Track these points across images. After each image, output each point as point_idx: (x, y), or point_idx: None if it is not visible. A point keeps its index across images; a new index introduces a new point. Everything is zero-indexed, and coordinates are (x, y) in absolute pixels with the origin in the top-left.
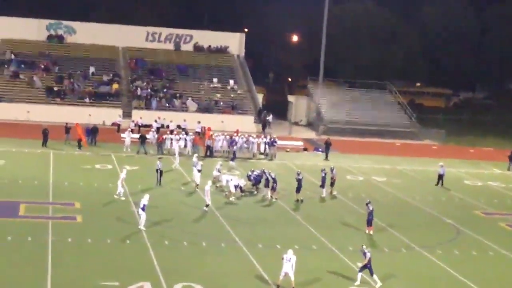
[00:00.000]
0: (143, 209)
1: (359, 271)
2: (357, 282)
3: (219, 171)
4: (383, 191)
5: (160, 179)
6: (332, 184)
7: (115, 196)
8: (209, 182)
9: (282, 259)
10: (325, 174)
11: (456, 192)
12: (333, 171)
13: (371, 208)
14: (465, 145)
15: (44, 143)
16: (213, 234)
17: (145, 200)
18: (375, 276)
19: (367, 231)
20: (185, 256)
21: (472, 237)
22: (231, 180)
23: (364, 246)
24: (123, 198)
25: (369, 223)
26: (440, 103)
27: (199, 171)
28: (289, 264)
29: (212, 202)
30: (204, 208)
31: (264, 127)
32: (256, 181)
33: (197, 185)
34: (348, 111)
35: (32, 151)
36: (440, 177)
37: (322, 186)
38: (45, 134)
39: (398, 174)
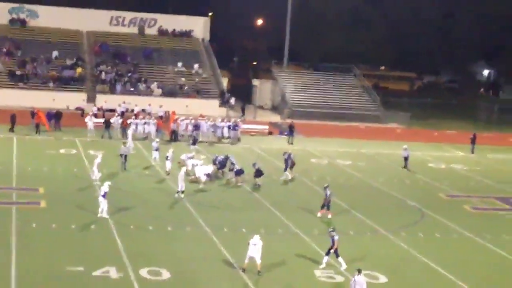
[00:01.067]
0: (104, 196)
1: (326, 254)
2: (322, 265)
3: (187, 156)
4: (347, 174)
5: (125, 163)
6: (291, 167)
7: (94, 183)
8: (183, 168)
9: (248, 244)
10: (288, 156)
11: (420, 175)
12: (291, 155)
13: (328, 193)
14: (429, 128)
15: (12, 128)
16: (179, 219)
17: (105, 187)
18: (340, 258)
19: (319, 214)
20: (150, 241)
21: (436, 220)
22: (197, 165)
23: (332, 230)
24: (98, 183)
25: (327, 207)
26: (404, 86)
27: (166, 158)
28: (254, 248)
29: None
30: (179, 195)
31: (243, 111)
32: (221, 165)
33: (168, 172)
34: (313, 94)
35: None
36: (405, 159)
37: (285, 169)
38: (13, 119)
39: (363, 157)
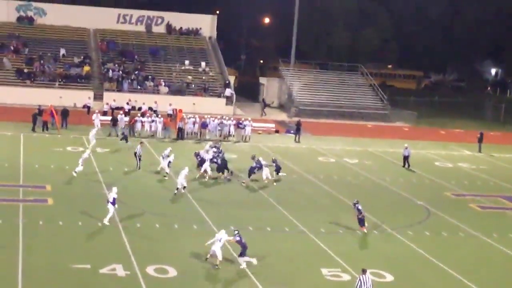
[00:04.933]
0: (113, 203)
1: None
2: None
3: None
4: (354, 173)
5: (139, 163)
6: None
7: (74, 174)
8: (186, 168)
9: (214, 237)
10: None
11: (426, 174)
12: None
13: (360, 207)
14: (436, 126)
15: (34, 127)
16: (185, 216)
17: (113, 193)
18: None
19: (365, 230)
20: (157, 238)
21: (443, 218)
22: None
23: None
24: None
25: (361, 222)
26: (411, 85)
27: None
28: (218, 244)
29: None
30: (180, 190)
31: (265, 105)
32: (201, 162)
33: (166, 173)
34: (320, 93)
35: (3, 133)
36: (406, 158)
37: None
38: (34, 118)
39: (370, 156)
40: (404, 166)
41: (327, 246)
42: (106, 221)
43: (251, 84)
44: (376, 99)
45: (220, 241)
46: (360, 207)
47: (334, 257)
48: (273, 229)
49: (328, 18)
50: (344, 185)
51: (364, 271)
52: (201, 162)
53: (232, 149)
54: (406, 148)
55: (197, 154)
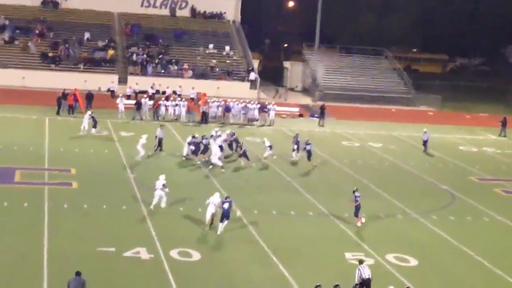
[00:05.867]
0: (163, 187)
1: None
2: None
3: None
4: (378, 157)
5: (159, 146)
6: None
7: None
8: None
9: (208, 203)
10: (296, 137)
11: (451, 158)
12: (298, 136)
13: (358, 194)
14: (460, 111)
15: (58, 111)
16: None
17: (162, 180)
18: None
19: (359, 224)
20: (180, 222)
21: (467, 203)
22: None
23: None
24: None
25: (357, 212)
26: (436, 69)
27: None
28: (212, 206)
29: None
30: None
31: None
32: (195, 148)
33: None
34: (344, 77)
35: (28, 117)
36: (425, 143)
37: (297, 150)
38: (59, 101)
39: (394, 140)
40: (424, 150)
41: (351, 230)
42: (162, 204)
43: (275, 68)
44: (400, 83)
45: (214, 204)
46: (357, 195)
47: (358, 241)
48: (297, 213)
49: (353, 1)
50: (368, 169)
51: (361, 262)
52: (196, 149)
53: (256, 133)
54: (425, 132)
55: (189, 143)
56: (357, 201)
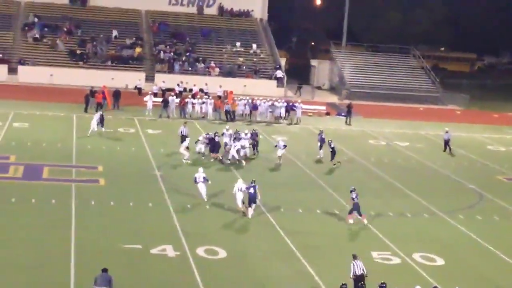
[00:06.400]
0: (204, 181)
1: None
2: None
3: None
4: (405, 156)
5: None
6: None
7: (183, 161)
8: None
9: (235, 189)
10: (323, 136)
11: (478, 157)
12: (322, 133)
13: (354, 195)
14: (488, 110)
15: (86, 108)
16: (235, 198)
17: (201, 173)
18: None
19: (351, 221)
20: (207, 219)
21: (495, 203)
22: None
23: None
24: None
25: (352, 211)
26: (464, 67)
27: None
28: (240, 193)
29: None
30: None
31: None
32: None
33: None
34: (371, 75)
35: (56, 114)
36: (446, 142)
37: (320, 148)
38: (86, 99)
39: (421, 138)
40: (445, 150)
41: (377, 228)
42: (205, 197)
43: (302, 66)
44: (428, 81)
45: (240, 191)
46: (353, 196)
47: (384, 240)
48: (323, 211)
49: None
50: (394, 168)
51: (355, 257)
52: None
53: (283, 131)
54: (447, 132)
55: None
56: (354, 200)
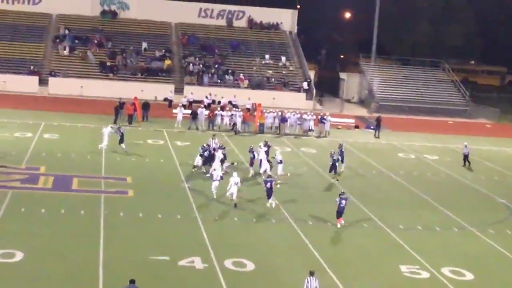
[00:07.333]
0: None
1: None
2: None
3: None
4: (434, 169)
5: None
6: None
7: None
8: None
9: (230, 181)
10: (343, 149)
11: (509, 172)
12: (343, 146)
13: (344, 203)
14: None
15: (115, 120)
16: (264, 211)
17: (236, 177)
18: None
19: (339, 225)
20: (235, 232)
21: None
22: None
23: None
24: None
25: (339, 214)
26: (494, 81)
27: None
28: (235, 187)
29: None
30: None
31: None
32: (206, 159)
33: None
34: (401, 89)
35: (85, 125)
36: (466, 157)
37: (342, 161)
38: (116, 110)
39: (450, 152)
40: (464, 165)
41: (406, 242)
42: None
43: (331, 79)
44: (458, 95)
45: (236, 184)
46: (339, 201)
47: (413, 254)
48: (351, 224)
49: (410, 12)
50: (424, 181)
51: (311, 273)
52: (207, 159)
53: (312, 144)
54: (466, 146)
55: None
56: (340, 205)
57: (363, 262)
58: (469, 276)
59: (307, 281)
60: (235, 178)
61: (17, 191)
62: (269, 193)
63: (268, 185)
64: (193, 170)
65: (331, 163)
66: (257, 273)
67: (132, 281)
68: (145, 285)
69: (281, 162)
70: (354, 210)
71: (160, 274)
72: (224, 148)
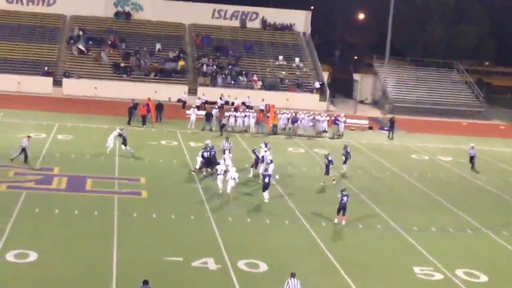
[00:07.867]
0: (234, 179)
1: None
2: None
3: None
4: (448, 171)
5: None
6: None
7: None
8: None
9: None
10: (348, 150)
11: None
12: (347, 147)
13: (345, 199)
14: None
15: (129, 121)
16: (277, 211)
17: (233, 173)
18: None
19: (336, 220)
20: (248, 233)
21: None
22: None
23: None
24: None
25: (341, 211)
26: (508, 82)
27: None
28: (232, 181)
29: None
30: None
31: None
32: (206, 161)
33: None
34: (415, 90)
35: (99, 126)
36: (471, 159)
37: (345, 162)
38: (130, 111)
39: (464, 154)
40: (472, 167)
41: (420, 244)
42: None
43: (345, 80)
44: (471, 96)
45: (234, 179)
46: (340, 197)
47: (427, 256)
48: (365, 226)
49: (424, 13)
50: (437, 183)
51: (292, 275)
52: (207, 162)
53: (325, 145)
54: (472, 147)
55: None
56: (341, 201)
57: (377, 263)
58: (483, 278)
59: (288, 283)
60: (232, 173)
61: (31, 192)
62: (266, 186)
63: (267, 179)
64: (192, 172)
65: (325, 164)
66: (270, 274)
67: (146, 282)
68: (158, 286)
69: (271, 162)
70: (368, 211)
71: (173, 275)
72: (213, 149)
